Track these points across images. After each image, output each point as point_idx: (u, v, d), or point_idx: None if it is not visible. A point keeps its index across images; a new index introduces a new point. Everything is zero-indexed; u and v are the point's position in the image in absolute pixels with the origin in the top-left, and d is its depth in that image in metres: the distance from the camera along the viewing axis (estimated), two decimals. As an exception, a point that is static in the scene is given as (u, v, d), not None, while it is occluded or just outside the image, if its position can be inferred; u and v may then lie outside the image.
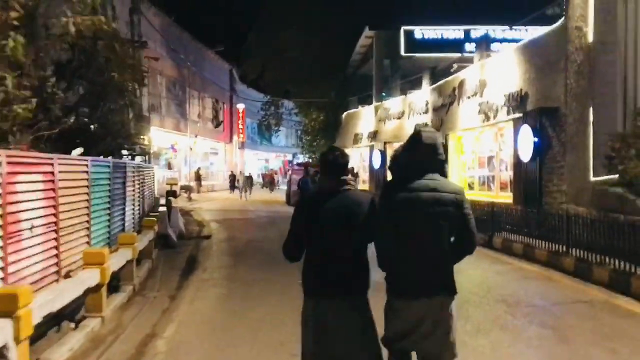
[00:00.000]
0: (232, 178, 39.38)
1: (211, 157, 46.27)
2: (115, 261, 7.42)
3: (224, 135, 46.77)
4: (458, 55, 24.48)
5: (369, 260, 3.36)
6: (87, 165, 7.49)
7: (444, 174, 3.31)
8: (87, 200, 7.48)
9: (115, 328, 6.54)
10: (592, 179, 10.63)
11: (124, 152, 17.67)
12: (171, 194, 26.34)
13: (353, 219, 3.23)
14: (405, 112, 23.57)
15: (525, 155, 13.34)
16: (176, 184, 28.07)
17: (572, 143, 11.76)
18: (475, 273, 9.54)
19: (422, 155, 3.22)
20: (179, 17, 33.94)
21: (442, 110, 19.95)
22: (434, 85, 21.40)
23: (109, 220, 8.85)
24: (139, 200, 13.80)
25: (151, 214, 13.15)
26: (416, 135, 3.28)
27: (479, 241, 12.86)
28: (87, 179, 7.49)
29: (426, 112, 21.60)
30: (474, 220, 3.28)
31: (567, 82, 12.15)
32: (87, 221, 7.49)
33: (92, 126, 12.02)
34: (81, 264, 6.58)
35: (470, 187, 18.04)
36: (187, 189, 33.78)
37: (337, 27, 30.50)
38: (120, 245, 8.39)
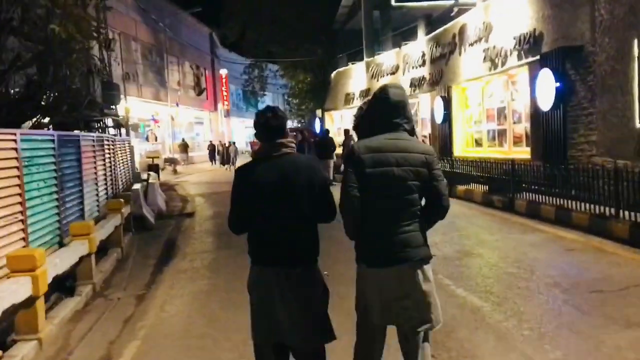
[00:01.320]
0: (212, 149, 36.93)
1: (196, 127, 44.34)
2: (61, 260, 5.80)
3: (208, 103, 44.73)
4: (451, 2, 22.66)
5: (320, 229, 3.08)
6: (14, 140, 5.79)
7: (412, 133, 3.07)
8: (18, 186, 5.80)
9: (58, 353, 4.96)
10: (639, 125, 9.01)
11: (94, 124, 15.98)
12: (152, 168, 24.87)
13: (292, 187, 2.97)
14: (399, 66, 21.77)
15: (545, 103, 11.70)
16: (158, 157, 26.45)
17: (605, 86, 10.10)
18: (506, 246, 8.01)
19: (389, 113, 3.00)
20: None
21: (442, 61, 18.20)
22: (430, 35, 19.60)
23: (57, 208, 7.18)
24: (109, 180, 12.17)
25: (122, 193, 11.48)
26: (382, 93, 3.04)
27: (497, 204, 11.64)
28: (16, 158, 5.80)
29: (423, 64, 19.83)
30: (445, 181, 3.06)
31: (594, 14, 10.43)
32: (21, 212, 5.82)
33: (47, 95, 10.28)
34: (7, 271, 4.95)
35: (478, 143, 16.43)
36: (172, 161, 32.07)
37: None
38: (73, 237, 6.76)
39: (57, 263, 5.61)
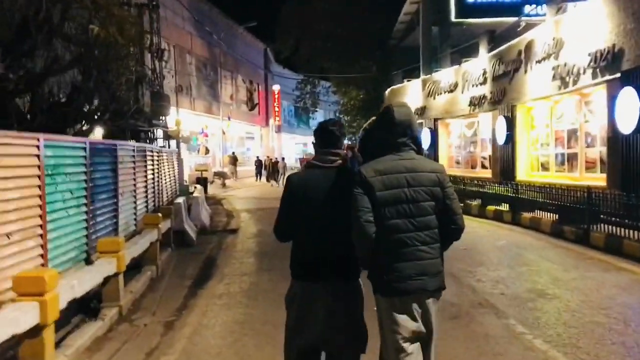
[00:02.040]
0: (259, 164, 35.68)
1: (247, 142, 44.22)
2: (80, 282, 5.16)
3: (260, 118, 44.62)
4: (515, 19, 21.57)
5: None
6: (36, 145, 5.23)
7: (420, 152, 2.96)
8: (38, 197, 5.22)
9: (65, 392, 4.29)
10: None
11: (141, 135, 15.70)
12: (201, 181, 24.57)
13: (341, 197, 2.87)
14: (458, 83, 20.74)
15: (627, 125, 10.52)
16: (207, 171, 26.15)
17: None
18: (586, 286, 6.93)
19: (394, 133, 2.89)
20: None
21: (505, 79, 17.10)
22: (493, 52, 18.54)
23: (86, 222, 6.61)
24: (150, 192, 11.70)
25: (165, 207, 10.95)
26: (387, 112, 2.95)
27: (569, 235, 10.48)
28: (37, 166, 5.23)
29: (484, 82, 18.75)
30: (457, 200, 2.91)
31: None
32: (40, 225, 5.24)
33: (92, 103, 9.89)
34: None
35: (544, 167, 15.22)
36: (221, 175, 31.81)
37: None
38: (100, 254, 6.15)
39: (75, 285, 4.96)
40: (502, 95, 17.17)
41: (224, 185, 29.78)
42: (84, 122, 9.91)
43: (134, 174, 9.58)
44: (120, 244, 6.35)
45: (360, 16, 28.97)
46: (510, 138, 15.90)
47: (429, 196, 2.80)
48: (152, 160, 12.08)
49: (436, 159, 21.75)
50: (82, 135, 9.85)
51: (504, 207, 13.26)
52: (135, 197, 9.56)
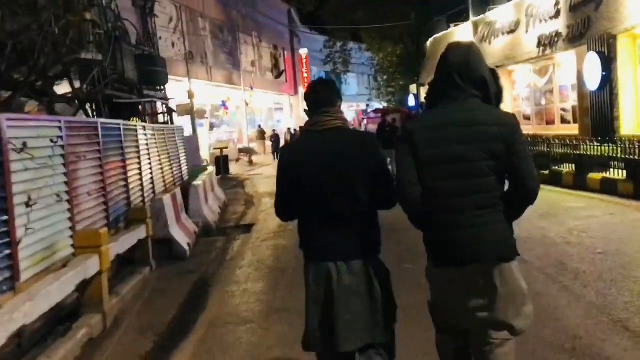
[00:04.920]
0: (276, 139, 29.44)
1: (277, 114, 40.90)
2: None
3: (288, 86, 41.10)
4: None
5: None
6: None
7: (490, 100, 2.47)
8: None
9: None
10: None
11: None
12: (220, 161, 21.44)
13: (341, 165, 2.58)
14: (520, 21, 16.76)
15: None
16: (226, 148, 22.97)
17: None
18: None
19: (448, 79, 2.46)
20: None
21: (589, 5, 13.13)
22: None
23: None
24: (137, 185, 8.58)
25: (134, 208, 7.69)
26: (442, 56, 2.55)
27: None
28: None
29: (556, 15, 14.77)
30: (530, 159, 2.44)
31: None
32: None
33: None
34: None
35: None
36: (247, 152, 28.66)
37: None
38: None
39: None
40: (585, 27, 13.23)
41: (251, 162, 26.67)
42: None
43: (101, 165, 6.41)
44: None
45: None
46: (607, 80, 11.96)
47: (486, 154, 2.36)
48: (157, 140, 8.91)
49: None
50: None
51: (618, 174, 9.56)
52: (105, 194, 6.40)
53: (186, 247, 7.98)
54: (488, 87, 2.47)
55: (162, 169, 10.92)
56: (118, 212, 7.40)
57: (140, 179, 8.97)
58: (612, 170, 9.85)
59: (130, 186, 8.18)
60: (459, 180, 2.40)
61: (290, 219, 2.79)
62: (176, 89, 22.67)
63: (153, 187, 9.85)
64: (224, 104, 28.54)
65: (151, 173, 9.80)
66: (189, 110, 21.61)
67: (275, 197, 2.76)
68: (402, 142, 2.51)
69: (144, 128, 9.95)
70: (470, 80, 2.44)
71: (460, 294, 2.44)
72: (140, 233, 7.01)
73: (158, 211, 7.82)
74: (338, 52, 31.34)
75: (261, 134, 32.63)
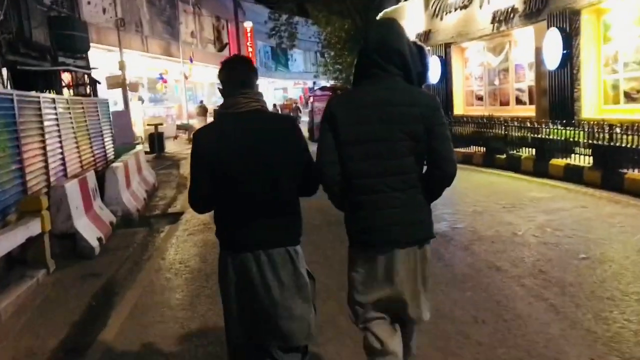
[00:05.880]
0: (203, 112, 27.23)
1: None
2: None
3: (231, 61, 39.20)
4: None
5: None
6: None
7: (411, 79, 2.42)
8: None
9: None
10: None
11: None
12: (154, 138, 19.85)
13: (262, 149, 2.43)
14: (475, -4, 15.90)
15: None
16: (161, 124, 21.36)
17: None
18: None
19: (370, 56, 2.42)
20: None
21: (549, -21, 12.35)
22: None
23: None
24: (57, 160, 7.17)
25: (29, 197, 6.33)
26: (365, 33, 2.56)
27: None
28: None
29: (515, -13, 13.94)
30: (449, 141, 2.40)
31: None
32: None
33: None
34: None
35: (631, 97, 10.52)
36: (186, 129, 26.97)
37: None
38: None
39: None
40: (543, 2, 12.45)
41: (190, 140, 25.09)
42: None
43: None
44: None
45: None
46: (568, 59, 11.19)
47: (405, 135, 2.34)
48: (39, 117, 7.42)
49: (449, 94, 17.17)
50: None
51: (583, 161, 8.82)
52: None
53: (95, 243, 6.67)
54: (409, 66, 2.41)
55: (77, 148, 9.49)
56: (8, 202, 6.08)
57: (45, 161, 7.59)
58: (575, 156, 9.12)
59: (28, 170, 6.81)
60: (377, 161, 2.35)
61: (206, 209, 2.58)
62: (107, 60, 20.83)
63: (64, 170, 8.45)
64: (161, 77, 26.68)
65: (62, 154, 8.42)
66: (120, 83, 19.81)
67: (190, 185, 2.54)
68: (323, 120, 2.46)
69: (53, 101, 8.52)
70: (390, 59, 2.39)
71: (375, 281, 2.43)
72: (32, 228, 5.71)
73: (59, 200, 6.47)
74: (284, 24, 29.81)
75: (203, 110, 30.88)
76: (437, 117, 2.37)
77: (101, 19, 21.76)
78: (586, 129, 8.98)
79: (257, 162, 2.41)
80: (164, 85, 26.88)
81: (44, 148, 7.58)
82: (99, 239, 6.90)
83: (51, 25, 10.58)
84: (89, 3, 20.75)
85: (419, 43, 2.61)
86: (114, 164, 9.09)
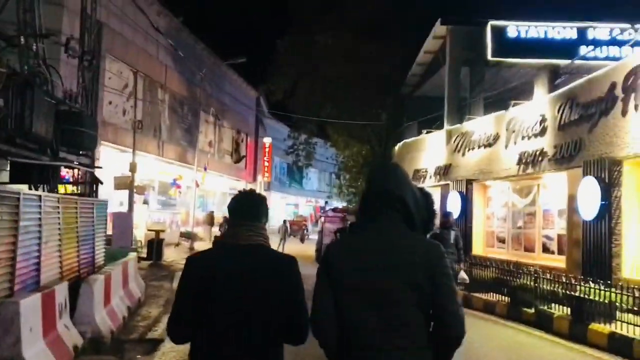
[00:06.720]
0: (210, 220, 29.37)
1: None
2: None
3: (246, 173, 39.30)
4: (566, 61, 16.99)
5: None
6: None
7: (412, 225, 2.32)
8: None
9: None
10: None
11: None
12: (154, 245, 18.86)
13: (258, 289, 2.35)
14: (500, 135, 15.49)
15: None
16: (163, 231, 20.48)
17: None
18: None
19: (370, 201, 2.36)
20: (189, 22, 27.04)
21: (582, 126, 11.86)
22: (558, 91, 13.51)
23: None
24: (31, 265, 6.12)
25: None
26: (368, 175, 2.61)
27: None
28: None
29: (542, 132, 13.51)
30: (453, 293, 2.21)
31: None
32: None
33: None
34: None
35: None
36: (189, 237, 26.05)
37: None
38: None
39: None
40: (576, 148, 11.88)
41: (192, 249, 24.03)
42: None
43: None
44: None
45: (369, 56, 24.09)
46: (607, 210, 10.31)
47: (406, 285, 2.16)
48: (15, 215, 6.50)
49: (467, 232, 16.19)
50: None
51: (632, 332, 7.60)
52: None
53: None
54: (413, 213, 2.32)
55: (60, 252, 8.47)
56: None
57: (11, 266, 6.55)
58: (620, 324, 7.92)
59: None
60: (377, 311, 2.17)
61: (184, 340, 2.43)
62: (121, 160, 20.52)
63: (37, 277, 7.37)
64: (175, 183, 26.27)
65: (37, 257, 7.40)
66: (127, 184, 19.26)
67: (172, 311, 2.43)
68: (321, 263, 2.35)
69: (39, 198, 7.67)
70: (391, 205, 2.31)
71: None
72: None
73: (8, 320, 5.36)
74: (302, 144, 29.93)
75: (210, 219, 30.23)
76: (440, 267, 2.22)
77: (120, 120, 21.76)
78: (629, 294, 7.86)
79: (246, 299, 2.32)
80: (178, 190, 26.46)
81: (13, 251, 6.59)
82: (52, 371, 5.69)
83: (58, 119, 10.03)
84: (110, 103, 20.83)
85: (425, 190, 2.51)
86: (92, 276, 8.04)
